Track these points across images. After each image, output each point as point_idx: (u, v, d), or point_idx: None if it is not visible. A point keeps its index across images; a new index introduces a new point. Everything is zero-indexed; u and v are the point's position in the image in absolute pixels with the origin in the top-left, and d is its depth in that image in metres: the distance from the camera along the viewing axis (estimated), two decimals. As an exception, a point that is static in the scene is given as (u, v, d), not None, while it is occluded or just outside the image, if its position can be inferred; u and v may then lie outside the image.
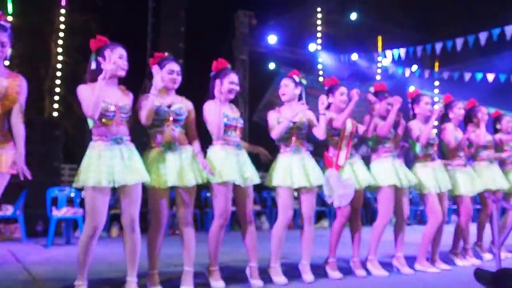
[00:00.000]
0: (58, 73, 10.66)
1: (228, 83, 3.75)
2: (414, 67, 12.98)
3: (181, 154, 3.45)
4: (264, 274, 3.86)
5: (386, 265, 4.42)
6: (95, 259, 3.37)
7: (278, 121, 3.96)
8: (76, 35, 10.64)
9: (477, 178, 4.91)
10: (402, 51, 11.42)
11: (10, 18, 9.13)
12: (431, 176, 4.50)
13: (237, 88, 3.82)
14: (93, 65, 3.26)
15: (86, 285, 3.19)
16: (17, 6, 9.68)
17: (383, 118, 4.40)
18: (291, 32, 12.72)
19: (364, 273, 4.20)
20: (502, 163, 5.42)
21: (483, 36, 9.45)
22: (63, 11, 10.74)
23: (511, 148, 5.43)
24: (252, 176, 3.73)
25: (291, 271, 4.04)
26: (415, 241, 4.56)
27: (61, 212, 6.42)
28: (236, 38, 12.16)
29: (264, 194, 9.64)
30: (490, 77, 11.11)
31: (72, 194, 6.75)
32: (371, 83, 5.08)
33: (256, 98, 12.26)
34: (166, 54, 3.69)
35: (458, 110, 4.88)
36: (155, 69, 3.42)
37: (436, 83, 14.26)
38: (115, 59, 3.20)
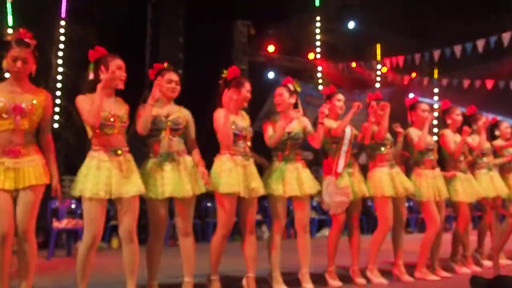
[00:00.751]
0: (59, 85, 10.68)
1: (246, 91, 3.79)
2: (413, 75, 13.01)
3: (179, 164, 3.47)
4: (263, 284, 3.86)
5: (386, 273, 4.42)
6: (95, 271, 3.39)
7: (273, 130, 3.97)
8: (75, 47, 10.68)
9: (476, 185, 4.92)
10: (401, 59, 11.46)
11: (10, 31, 9.22)
12: (430, 183, 4.51)
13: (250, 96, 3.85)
14: (91, 76, 3.30)
15: (86, 297, 3.20)
16: (17, 19, 9.73)
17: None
18: (289, 41, 12.75)
19: (363, 282, 4.21)
20: (501, 170, 5.42)
21: (480, 43, 9.49)
22: (63, 23, 10.80)
23: (510, 154, 5.44)
24: (257, 187, 3.74)
25: (291, 280, 4.04)
26: (416, 249, 4.56)
27: (62, 224, 6.44)
28: (234, 48, 12.21)
29: (265, 203, 9.62)
30: (489, 83, 11.13)
31: (73, 206, 6.77)
32: (371, 91, 5.11)
33: (256, 107, 12.25)
34: (165, 64, 3.72)
35: (456, 116, 4.90)
36: (157, 81, 3.45)
37: (436, 90, 14.28)
38: (113, 70, 3.24)
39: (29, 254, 3.08)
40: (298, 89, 4.15)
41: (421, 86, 12.98)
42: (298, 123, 4.07)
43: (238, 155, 3.69)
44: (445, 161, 4.84)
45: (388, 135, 4.49)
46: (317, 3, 12.69)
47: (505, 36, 9.09)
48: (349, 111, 4.20)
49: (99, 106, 3.11)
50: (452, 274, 4.67)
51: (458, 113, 4.92)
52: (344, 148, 4.24)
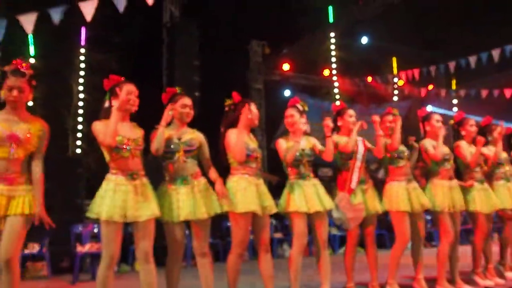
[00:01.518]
0: (80, 111, 10.95)
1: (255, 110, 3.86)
2: (430, 87, 12.98)
3: (193, 187, 3.54)
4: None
5: (407, 288, 4.39)
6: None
7: (287, 146, 4.03)
8: (95, 73, 10.95)
9: (493, 196, 4.86)
10: (416, 71, 11.46)
11: (32, 61, 9.51)
12: (446, 194, 4.49)
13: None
14: (107, 104, 3.41)
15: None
16: (39, 48, 10.04)
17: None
18: (304, 59, 12.86)
19: (384, 297, 4.19)
20: None
21: (496, 53, 9.45)
22: (82, 50, 11.10)
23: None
24: (270, 205, 3.78)
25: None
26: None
27: (85, 248, 6.55)
28: (250, 68, 12.35)
29: (286, 222, 9.63)
30: (508, 92, 11.04)
31: (96, 230, 6.87)
32: (388, 105, 5.14)
33: (273, 126, 12.36)
34: (177, 89, 3.82)
35: (470, 127, 4.88)
36: (169, 106, 3.54)
37: (455, 101, 14.19)
38: (124, 96, 3.34)
39: (11, 285, 3.02)
40: (306, 109, 4.20)
41: (438, 97, 12.92)
42: (307, 142, 4.12)
43: (251, 174, 3.75)
44: (461, 172, 4.82)
45: (404, 148, 4.50)
46: (330, 19, 12.78)
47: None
48: (359, 127, 4.25)
49: (114, 126, 3.21)
50: (474, 287, 4.61)
51: (472, 124, 4.90)
52: (358, 163, 4.26)
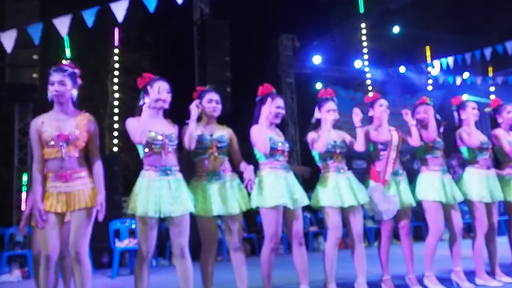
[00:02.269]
0: (116, 110, 11.21)
1: (275, 107, 3.84)
2: (466, 75, 12.65)
3: (225, 182, 3.58)
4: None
5: (446, 280, 4.32)
6: (156, 287, 3.52)
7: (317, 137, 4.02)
8: (129, 73, 11.18)
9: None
10: (451, 60, 11.19)
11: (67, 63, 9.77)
12: (483, 184, 4.39)
13: (283, 112, 3.90)
14: (141, 101, 3.49)
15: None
16: (74, 50, 10.31)
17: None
18: (335, 51, 12.75)
19: (421, 289, 4.15)
20: None
21: (533, 38, 9.14)
22: (116, 51, 11.33)
23: None
24: (301, 197, 3.78)
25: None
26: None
27: (124, 244, 6.71)
28: (281, 62, 12.33)
29: (320, 215, 9.61)
30: (548, 77, 10.67)
31: (133, 226, 7.03)
32: (422, 95, 5.06)
33: (305, 119, 12.31)
34: (207, 87, 3.88)
35: (507, 114, 4.74)
36: (193, 103, 3.59)
37: (492, 88, 13.79)
38: (155, 93, 3.41)
39: (82, 276, 3.15)
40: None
41: (474, 85, 12.59)
42: (337, 135, 4.10)
43: (278, 168, 3.75)
44: (499, 161, 4.71)
45: (439, 139, 4.43)
46: (360, 10, 12.62)
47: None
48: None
49: (144, 123, 3.27)
50: (516, 279, 4.50)
51: (509, 110, 4.75)
52: (392, 154, 4.22)
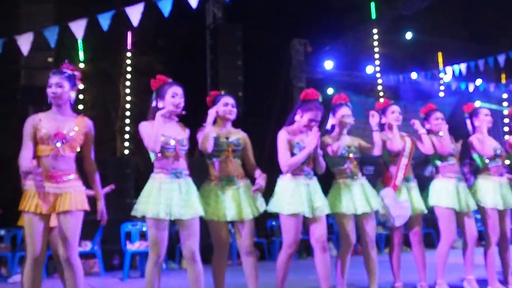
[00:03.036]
0: (127, 113, 11.27)
1: (307, 119, 3.73)
2: (479, 81, 12.57)
3: (239, 188, 3.60)
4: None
5: (457, 288, 4.30)
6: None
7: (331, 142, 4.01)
8: (142, 76, 11.24)
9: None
10: (463, 66, 11.12)
11: (82, 65, 9.86)
12: (496, 191, 4.36)
13: (315, 125, 3.74)
14: (154, 104, 3.51)
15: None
16: (88, 53, 10.40)
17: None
18: (347, 56, 12.72)
19: (433, 297, 4.12)
20: None
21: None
22: (129, 54, 11.40)
23: None
24: (322, 206, 3.71)
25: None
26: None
27: (135, 246, 6.75)
28: (292, 67, 12.32)
29: (330, 220, 9.58)
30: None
31: (144, 228, 7.05)
32: (434, 101, 5.05)
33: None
34: (221, 91, 3.90)
35: None
36: (211, 110, 3.61)
37: (505, 95, 13.68)
38: (168, 98, 3.43)
39: (75, 278, 3.17)
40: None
41: (487, 93, 12.50)
42: (351, 141, 4.10)
43: (301, 175, 3.71)
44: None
45: (454, 146, 4.41)
46: (373, 15, 12.60)
47: None
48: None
49: (158, 132, 3.30)
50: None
51: None
52: (404, 160, 4.21)
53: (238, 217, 3.53)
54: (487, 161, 4.46)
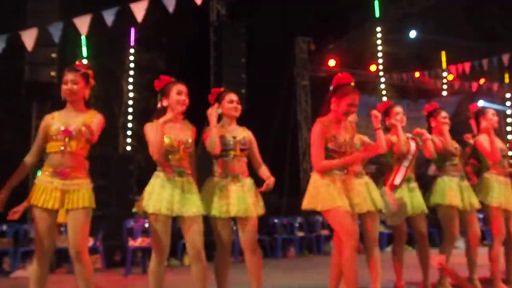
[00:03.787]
0: (130, 109, 11.29)
1: (346, 104, 3.42)
2: (482, 81, 12.54)
3: (243, 186, 3.59)
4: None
5: None
6: (169, 287, 3.52)
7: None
8: (144, 73, 11.26)
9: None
10: (467, 65, 11.09)
11: (85, 62, 9.87)
12: (501, 190, 4.35)
13: (355, 109, 3.49)
14: (159, 104, 3.50)
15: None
16: (91, 49, 10.40)
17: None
18: (350, 54, 12.72)
19: (436, 296, 4.12)
20: None
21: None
22: (132, 51, 11.41)
23: None
24: (360, 203, 3.51)
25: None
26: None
27: (137, 242, 6.76)
28: (296, 65, 12.34)
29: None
30: None
31: (147, 225, 7.06)
32: (437, 100, 5.04)
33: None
34: (222, 89, 3.88)
35: None
36: (210, 108, 3.58)
37: (508, 95, 13.65)
38: (173, 96, 3.41)
39: (84, 275, 3.19)
40: None
41: (490, 92, 12.48)
42: (356, 139, 4.08)
43: (336, 170, 3.43)
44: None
45: (457, 145, 4.40)
46: (377, 14, 12.57)
47: None
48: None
49: (160, 142, 3.27)
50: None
51: None
52: (405, 163, 4.19)
53: (243, 214, 3.52)
54: (491, 161, 4.44)
